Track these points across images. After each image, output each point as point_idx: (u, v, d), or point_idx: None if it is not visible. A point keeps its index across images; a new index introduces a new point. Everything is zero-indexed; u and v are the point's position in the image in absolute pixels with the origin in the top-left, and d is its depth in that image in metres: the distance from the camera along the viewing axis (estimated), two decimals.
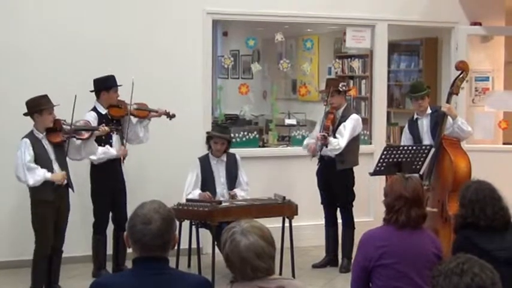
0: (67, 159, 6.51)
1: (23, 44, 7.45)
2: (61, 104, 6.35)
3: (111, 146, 7.00)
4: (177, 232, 3.15)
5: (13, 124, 6.99)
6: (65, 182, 6.37)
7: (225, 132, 7.30)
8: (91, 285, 3.06)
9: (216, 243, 6.74)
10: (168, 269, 3.06)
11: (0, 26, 7.43)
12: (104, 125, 6.75)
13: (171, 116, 7.27)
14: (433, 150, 7.02)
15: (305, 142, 7.64)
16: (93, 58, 7.56)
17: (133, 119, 7.18)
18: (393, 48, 10.50)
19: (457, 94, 7.40)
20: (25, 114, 6.31)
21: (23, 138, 6.20)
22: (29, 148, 6.15)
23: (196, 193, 7.11)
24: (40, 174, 6.17)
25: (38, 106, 6.24)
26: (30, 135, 6.22)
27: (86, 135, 6.55)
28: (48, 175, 6.23)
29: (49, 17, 7.53)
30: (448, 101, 7.26)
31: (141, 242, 2.97)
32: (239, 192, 7.24)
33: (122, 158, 7.02)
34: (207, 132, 7.30)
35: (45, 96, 6.29)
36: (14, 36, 7.44)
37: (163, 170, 7.77)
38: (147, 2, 7.86)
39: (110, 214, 7.16)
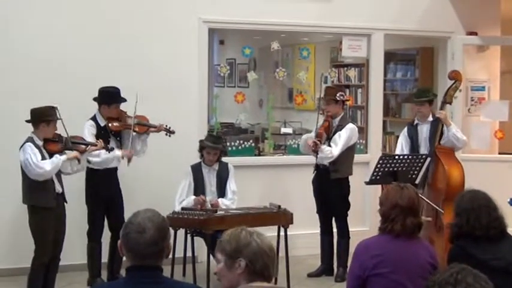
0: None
1: (20, 51, 7.45)
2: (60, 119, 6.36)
3: None
4: (171, 241, 3.14)
5: (13, 132, 6.97)
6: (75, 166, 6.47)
7: (218, 142, 7.26)
8: None
9: (211, 251, 6.73)
10: (162, 277, 3.05)
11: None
12: (100, 140, 6.73)
13: (170, 132, 7.22)
14: (428, 159, 7.03)
15: (303, 137, 7.64)
16: (90, 67, 7.56)
17: (132, 133, 7.11)
18: (389, 57, 10.52)
19: (450, 103, 7.43)
20: (28, 121, 6.28)
21: (25, 143, 6.17)
22: (35, 150, 6.13)
23: (191, 199, 7.11)
24: (54, 160, 6.18)
25: (47, 116, 6.25)
26: (32, 141, 6.20)
27: (82, 148, 6.54)
28: (64, 157, 6.28)
29: (46, 23, 7.52)
30: (441, 109, 7.29)
31: (134, 250, 2.98)
32: (222, 201, 7.19)
33: (127, 160, 6.98)
34: (200, 141, 7.28)
35: (54, 108, 6.31)
36: (11, 44, 7.45)
37: (158, 178, 7.75)
38: (143, 11, 7.85)
39: (106, 221, 7.13)
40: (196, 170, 7.26)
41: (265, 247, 3.03)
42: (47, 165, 6.13)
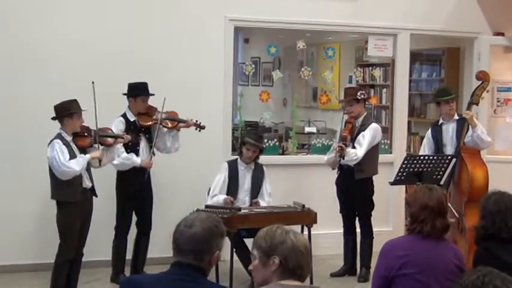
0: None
1: (44, 50, 7.50)
2: (85, 109, 6.35)
3: (137, 153, 6.98)
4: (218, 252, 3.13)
5: (34, 131, 7.04)
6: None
7: (259, 141, 7.33)
8: (121, 282, 3.24)
9: (234, 250, 6.74)
10: (200, 278, 3.06)
11: (21, 31, 7.46)
12: (127, 133, 6.75)
13: (200, 128, 7.20)
14: (454, 160, 6.98)
15: (326, 156, 7.60)
16: (117, 65, 7.61)
17: (162, 129, 7.13)
18: (415, 57, 10.45)
19: (477, 104, 7.38)
20: (53, 119, 6.27)
21: (53, 140, 6.16)
22: (63, 147, 6.11)
23: (221, 198, 7.10)
24: (79, 161, 6.16)
25: (69, 110, 6.22)
26: (60, 137, 6.19)
27: (110, 141, 6.57)
28: (88, 156, 6.26)
29: (72, 22, 7.58)
30: (468, 110, 7.24)
31: (176, 242, 3.08)
32: (262, 202, 7.22)
33: (145, 170, 6.98)
34: (242, 137, 7.29)
35: (75, 101, 6.29)
36: (35, 42, 7.49)
37: (181, 175, 7.78)
38: (169, 9, 7.88)
39: (134, 219, 7.16)
40: (233, 166, 7.26)
41: (300, 246, 3.04)
42: (76, 166, 6.10)
